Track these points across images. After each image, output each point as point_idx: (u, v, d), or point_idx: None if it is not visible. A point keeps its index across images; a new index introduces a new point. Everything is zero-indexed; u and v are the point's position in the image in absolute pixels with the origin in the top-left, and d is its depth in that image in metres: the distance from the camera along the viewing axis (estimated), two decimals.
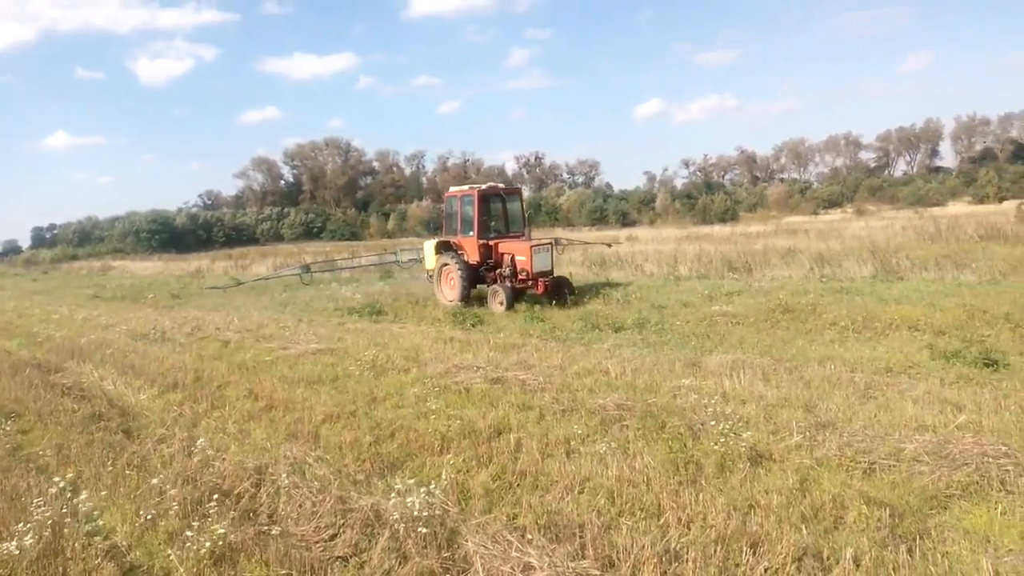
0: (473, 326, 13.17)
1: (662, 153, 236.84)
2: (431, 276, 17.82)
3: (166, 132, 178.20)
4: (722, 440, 5.47)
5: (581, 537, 4.14)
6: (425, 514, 4.26)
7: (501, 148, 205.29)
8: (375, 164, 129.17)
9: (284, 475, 5.29)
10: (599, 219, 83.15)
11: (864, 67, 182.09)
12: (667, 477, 5.00)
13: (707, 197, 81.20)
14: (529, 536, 4.07)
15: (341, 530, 4.45)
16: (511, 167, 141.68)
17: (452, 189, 18.12)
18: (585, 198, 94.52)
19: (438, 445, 6.04)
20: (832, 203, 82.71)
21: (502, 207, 17.43)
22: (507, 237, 16.79)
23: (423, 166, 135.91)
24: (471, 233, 16.56)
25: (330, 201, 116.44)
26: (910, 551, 3.87)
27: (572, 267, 21.48)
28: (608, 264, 22.87)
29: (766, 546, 3.95)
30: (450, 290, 16.77)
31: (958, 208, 58.67)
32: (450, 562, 3.94)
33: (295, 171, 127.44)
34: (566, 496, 4.80)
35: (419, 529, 4.15)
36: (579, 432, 6.13)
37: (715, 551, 3.89)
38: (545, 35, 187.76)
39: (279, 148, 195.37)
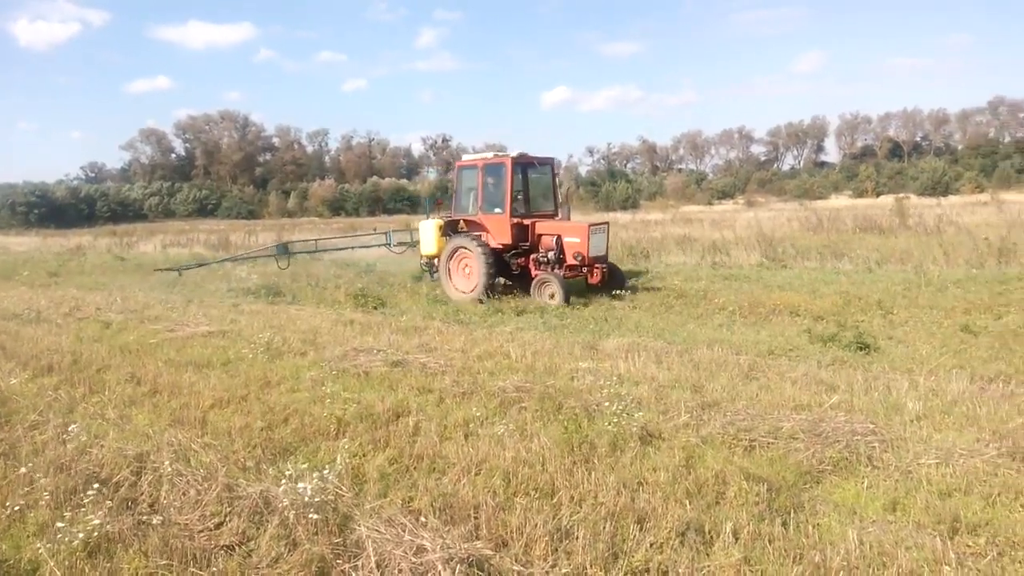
0: (375, 308, 12.98)
1: (568, 140, 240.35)
2: (429, 264, 15.51)
3: (46, 99, 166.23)
4: (615, 420, 5.62)
5: (476, 518, 4.17)
6: (317, 499, 4.16)
7: (408, 129, 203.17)
8: (275, 140, 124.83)
9: (167, 462, 5.03)
10: None
11: (759, 64, 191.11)
12: (562, 457, 5.10)
13: (610, 185, 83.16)
14: (423, 519, 4.06)
15: (227, 518, 4.29)
16: (417, 149, 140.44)
17: (467, 157, 15.00)
18: None
19: (334, 429, 5.92)
20: (725, 194, 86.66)
21: (523, 180, 14.68)
22: (535, 216, 14.32)
23: (326, 144, 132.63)
24: (498, 210, 13.89)
25: (225, 177, 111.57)
26: (785, 524, 4.11)
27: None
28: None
29: (652, 521, 4.10)
30: (465, 280, 14.08)
31: (839, 201, 62.67)
32: (341, 548, 3.88)
33: (187, 145, 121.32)
34: (463, 478, 4.82)
35: (310, 515, 4.05)
36: (478, 414, 6.15)
37: (604, 527, 4.00)
38: (455, 16, 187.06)
39: (170, 120, 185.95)
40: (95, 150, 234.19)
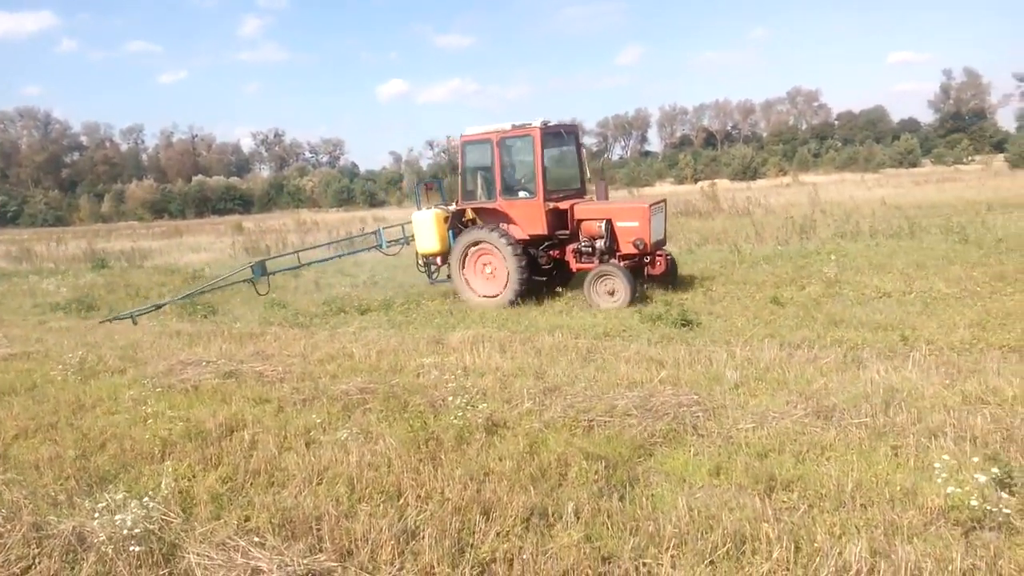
0: (205, 316, 12.19)
1: (409, 132, 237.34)
2: (428, 264, 12.94)
3: None
4: (460, 413, 5.63)
5: (318, 530, 4.02)
6: (138, 530, 3.83)
7: (236, 124, 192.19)
8: (83, 139, 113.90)
9: None
10: (346, 200, 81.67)
11: (585, 58, 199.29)
12: (408, 456, 5.03)
13: (452, 178, 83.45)
14: (258, 539, 3.84)
15: (36, 560, 3.84)
16: (248, 144, 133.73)
17: (472, 130, 12.00)
18: (331, 178, 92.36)
19: (158, 451, 5.48)
20: None
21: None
22: (562, 197, 11.90)
23: (143, 141, 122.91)
24: (524, 194, 11.61)
25: (27, 181, 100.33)
26: (622, 498, 4.29)
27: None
28: (354, 244, 22.20)
29: (498, 511, 4.14)
30: (487, 282, 11.82)
31: (664, 188, 67.00)
32: None
33: None
34: (304, 490, 4.63)
35: (131, 548, 3.72)
36: (319, 421, 5.95)
37: (451, 523, 3.99)
38: (280, 5, 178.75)
39: None
40: None
